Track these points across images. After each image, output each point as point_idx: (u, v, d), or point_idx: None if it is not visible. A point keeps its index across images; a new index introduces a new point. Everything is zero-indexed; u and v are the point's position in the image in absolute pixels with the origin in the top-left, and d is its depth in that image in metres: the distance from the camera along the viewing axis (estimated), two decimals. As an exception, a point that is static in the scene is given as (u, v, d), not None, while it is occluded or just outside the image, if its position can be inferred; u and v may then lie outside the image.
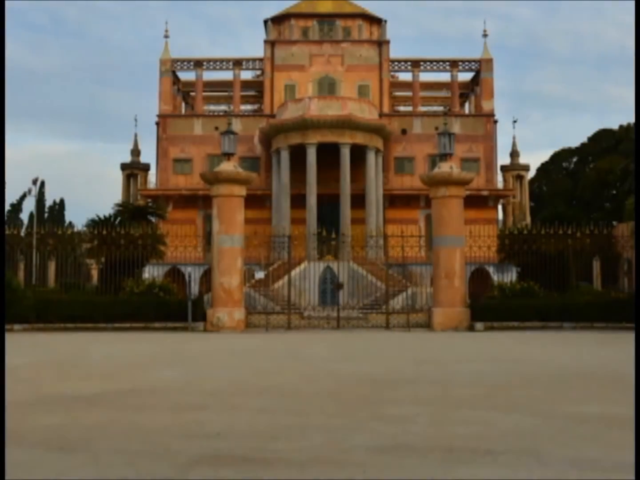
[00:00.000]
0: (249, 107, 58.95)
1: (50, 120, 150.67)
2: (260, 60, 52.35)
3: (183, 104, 57.81)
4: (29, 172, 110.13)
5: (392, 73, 53.57)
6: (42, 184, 71.66)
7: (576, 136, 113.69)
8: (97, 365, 13.52)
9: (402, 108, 59.03)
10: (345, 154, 45.79)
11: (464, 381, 10.92)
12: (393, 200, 49.95)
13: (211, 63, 52.59)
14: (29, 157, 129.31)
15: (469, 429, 7.09)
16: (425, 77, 54.14)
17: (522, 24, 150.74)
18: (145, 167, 58.37)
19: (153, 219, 41.63)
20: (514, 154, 60.39)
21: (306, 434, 6.91)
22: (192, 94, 55.72)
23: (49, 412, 8.16)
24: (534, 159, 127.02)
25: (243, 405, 8.75)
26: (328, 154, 45.69)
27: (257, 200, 45.77)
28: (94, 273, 35.53)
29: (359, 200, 46.11)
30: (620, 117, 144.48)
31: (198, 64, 52.43)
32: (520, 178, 60.01)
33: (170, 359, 15.16)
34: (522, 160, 60.91)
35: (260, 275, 33.59)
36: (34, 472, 5.47)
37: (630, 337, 19.12)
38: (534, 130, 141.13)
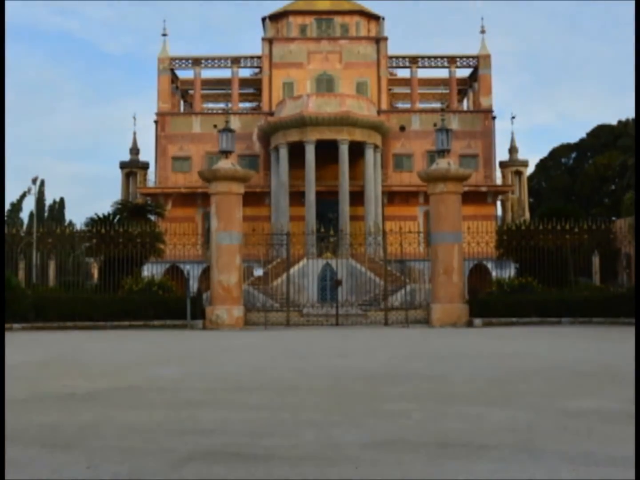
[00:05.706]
0: (247, 104, 58.99)
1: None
2: (259, 58, 52.33)
3: (182, 102, 57.83)
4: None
5: (390, 70, 53.54)
6: (42, 182, 71.66)
7: (575, 132, 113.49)
8: (94, 363, 13.53)
9: (400, 105, 59.04)
10: (344, 151, 45.81)
11: (460, 376, 10.93)
12: (392, 196, 49.96)
13: (209, 61, 52.61)
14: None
15: (464, 424, 7.10)
16: (424, 73, 54.12)
17: (521, 23, 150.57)
18: (145, 166, 58.36)
19: (152, 217, 41.66)
20: (513, 149, 60.32)
21: (301, 430, 6.93)
22: (191, 92, 55.72)
23: (44, 409, 8.18)
24: (532, 154, 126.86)
25: (239, 401, 8.77)
26: (327, 151, 45.71)
27: (255, 198, 45.85)
28: (94, 271, 35.53)
29: (357, 197, 46.15)
30: (618, 112, 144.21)
31: (196, 62, 52.45)
32: (519, 174, 59.92)
33: (168, 357, 15.17)
34: (521, 156, 60.89)
35: (259, 272, 33.62)
36: (28, 470, 5.48)
37: (629, 332, 19.11)
38: (533, 126, 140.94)
